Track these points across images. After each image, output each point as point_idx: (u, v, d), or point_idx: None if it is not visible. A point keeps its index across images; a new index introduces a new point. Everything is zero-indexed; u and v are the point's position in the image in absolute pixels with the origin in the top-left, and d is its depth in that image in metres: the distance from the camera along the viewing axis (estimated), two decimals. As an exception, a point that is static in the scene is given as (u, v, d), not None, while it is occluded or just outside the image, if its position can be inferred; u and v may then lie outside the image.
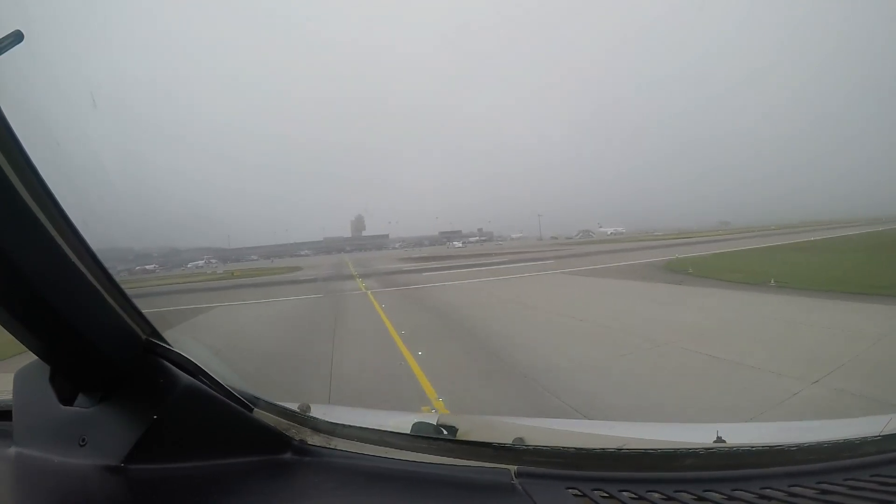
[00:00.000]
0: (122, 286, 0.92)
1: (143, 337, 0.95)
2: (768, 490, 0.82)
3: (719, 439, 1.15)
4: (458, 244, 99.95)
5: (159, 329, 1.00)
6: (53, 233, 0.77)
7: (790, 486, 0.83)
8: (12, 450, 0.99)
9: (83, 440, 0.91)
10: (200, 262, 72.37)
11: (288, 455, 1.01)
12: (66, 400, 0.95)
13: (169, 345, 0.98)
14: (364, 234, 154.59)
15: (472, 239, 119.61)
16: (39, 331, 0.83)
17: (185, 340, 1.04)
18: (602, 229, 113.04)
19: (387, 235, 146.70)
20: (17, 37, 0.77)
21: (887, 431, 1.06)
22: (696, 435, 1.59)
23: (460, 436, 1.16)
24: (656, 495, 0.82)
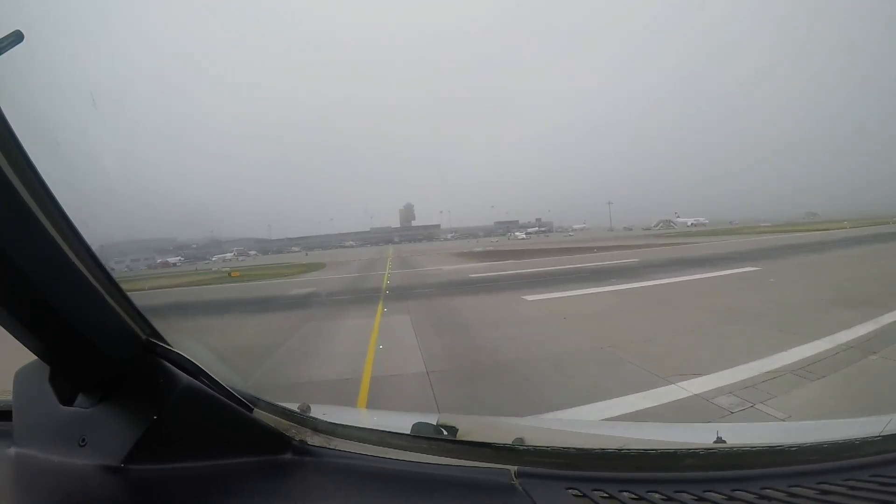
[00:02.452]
0: (122, 286, 0.92)
1: (143, 337, 0.95)
2: (768, 490, 0.82)
3: (719, 440, 1.15)
4: (520, 235, 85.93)
5: (159, 329, 1.00)
6: (53, 233, 0.77)
7: (790, 486, 0.83)
8: (12, 450, 0.99)
9: (83, 440, 0.91)
10: (228, 255, 68.57)
11: (288, 455, 1.01)
12: (66, 400, 0.95)
13: (169, 345, 0.98)
14: (413, 223, 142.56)
15: (530, 229, 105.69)
16: (39, 331, 0.83)
17: (185, 340, 1.04)
18: (681, 219, 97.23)
19: (438, 225, 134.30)
20: (17, 37, 0.77)
21: (887, 432, 1.06)
22: (696, 435, 1.59)
23: (460, 436, 1.16)
24: (656, 496, 0.82)
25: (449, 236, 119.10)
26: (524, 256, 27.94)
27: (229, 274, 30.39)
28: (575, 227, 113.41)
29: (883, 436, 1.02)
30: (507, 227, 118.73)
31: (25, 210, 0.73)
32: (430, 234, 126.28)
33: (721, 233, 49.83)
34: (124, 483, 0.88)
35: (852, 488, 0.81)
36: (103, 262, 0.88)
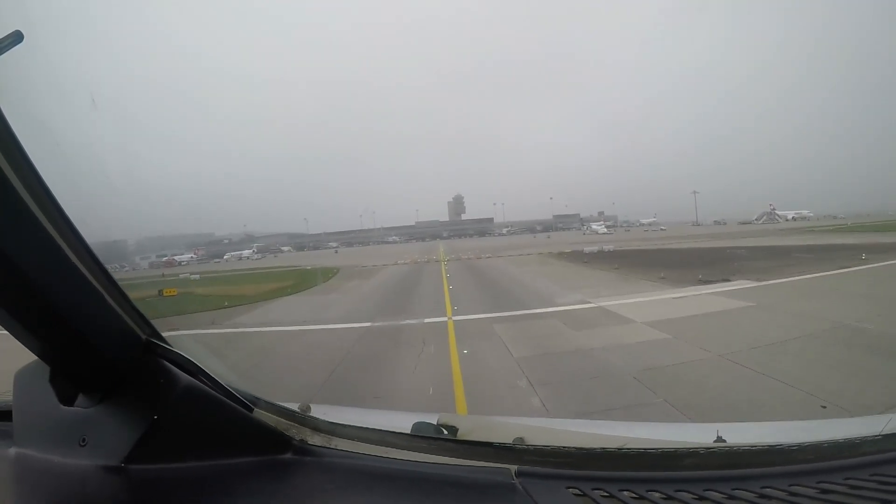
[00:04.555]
0: (122, 286, 0.92)
1: (143, 337, 0.95)
2: (769, 489, 0.82)
3: (719, 439, 1.15)
4: (601, 228, 69.05)
5: (159, 329, 1.00)
6: (53, 233, 0.77)
7: (790, 485, 0.83)
8: (12, 450, 0.99)
9: (83, 440, 0.91)
10: (246, 252, 60.54)
11: (288, 455, 1.01)
12: (67, 400, 0.95)
13: (169, 345, 0.98)
14: (463, 217, 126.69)
15: (596, 224, 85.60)
16: (39, 331, 0.83)
17: (185, 340, 1.04)
18: (780, 212, 76.49)
19: (491, 219, 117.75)
20: (17, 37, 0.77)
21: (887, 431, 1.06)
22: (696, 435, 1.59)
23: (461, 435, 1.16)
24: (657, 495, 0.82)
25: (504, 231, 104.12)
26: (717, 267, 15.29)
27: (160, 293, 16.11)
28: (643, 221, 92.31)
29: (883, 435, 1.02)
30: (566, 222, 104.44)
31: (25, 210, 0.73)
32: (482, 228, 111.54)
33: (866, 228, 34.56)
34: (125, 483, 0.88)
35: (852, 487, 0.81)
36: (103, 261, 0.88)
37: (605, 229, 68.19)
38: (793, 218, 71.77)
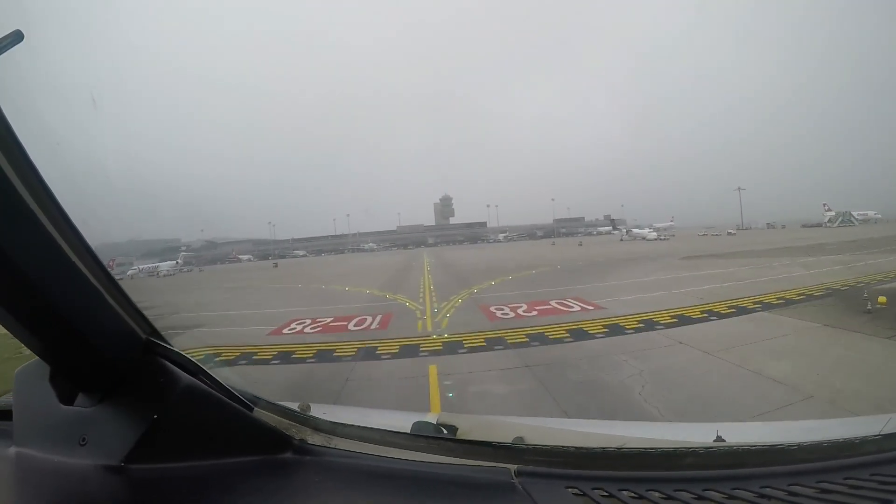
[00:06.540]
0: (122, 286, 0.92)
1: (144, 336, 0.95)
2: (768, 489, 0.82)
3: (719, 438, 1.15)
4: (650, 234, 52.06)
5: (160, 329, 1.00)
6: (53, 232, 0.77)
7: (790, 484, 0.83)
8: (12, 449, 0.99)
9: (83, 440, 0.91)
10: (164, 266, 45.87)
11: (288, 454, 1.01)
12: (67, 399, 0.95)
13: (169, 344, 0.98)
14: (452, 221, 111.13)
15: (631, 226, 69.20)
16: (40, 330, 0.83)
17: (185, 340, 1.04)
18: (829, 212, 64.67)
19: (483, 223, 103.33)
20: (17, 37, 0.77)
21: (887, 431, 1.06)
22: (696, 434, 1.59)
23: (460, 435, 1.16)
24: (656, 494, 0.82)
25: (501, 237, 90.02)
26: None
27: None
28: (657, 225, 71.91)
29: (882, 434, 1.02)
30: (570, 226, 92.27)
31: (25, 210, 0.73)
32: (474, 233, 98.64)
33: None
34: (124, 482, 0.88)
35: (852, 487, 0.81)
36: (103, 261, 0.88)
37: (656, 234, 52.04)
38: (862, 218, 60.75)
